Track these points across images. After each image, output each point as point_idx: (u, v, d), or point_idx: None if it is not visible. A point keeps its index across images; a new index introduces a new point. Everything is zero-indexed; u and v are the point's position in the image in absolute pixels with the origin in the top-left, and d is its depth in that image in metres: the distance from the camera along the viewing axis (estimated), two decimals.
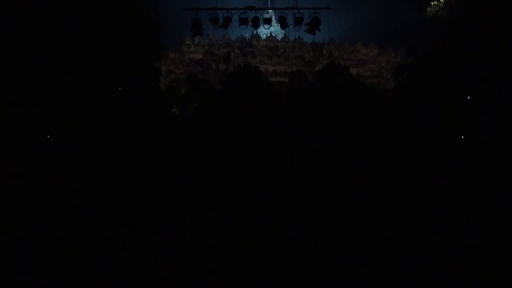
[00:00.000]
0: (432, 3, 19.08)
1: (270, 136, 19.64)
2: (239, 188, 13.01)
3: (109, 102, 17.51)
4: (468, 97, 17.66)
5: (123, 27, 17.83)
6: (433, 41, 20.66)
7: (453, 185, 12.46)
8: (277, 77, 33.05)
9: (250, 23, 15.78)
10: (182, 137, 19.85)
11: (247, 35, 39.66)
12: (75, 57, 15.49)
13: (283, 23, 16.35)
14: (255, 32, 37.61)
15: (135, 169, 14.68)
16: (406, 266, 6.74)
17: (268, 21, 18.19)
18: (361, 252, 7.32)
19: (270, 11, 27.80)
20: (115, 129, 17.15)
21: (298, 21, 15.59)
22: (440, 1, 18.76)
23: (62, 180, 12.64)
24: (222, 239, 8.03)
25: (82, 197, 10.96)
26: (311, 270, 6.66)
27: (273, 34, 38.99)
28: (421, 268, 6.66)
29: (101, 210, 9.83)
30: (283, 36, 38.88)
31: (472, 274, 6.41)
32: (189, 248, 7.58)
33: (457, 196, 11.04)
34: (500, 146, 15.14)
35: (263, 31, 35.53)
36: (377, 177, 14.29)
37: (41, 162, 13.93)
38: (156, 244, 7.69)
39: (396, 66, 29.36)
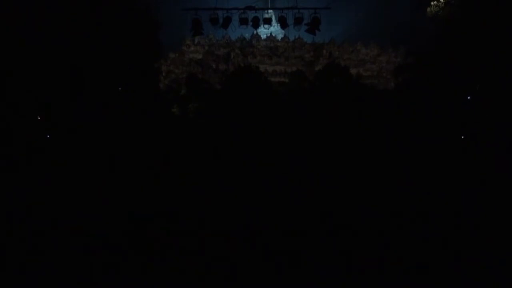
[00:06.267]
0: (432, 3, 19.06)
1: (270, 136, 19.64)
2: (238, 188, 13.01)
3: (109, 102, 17.52)
4: (468, 97, 17.67)
5: (123, 27, 17.84)
6: (433, 41, 20.65)
7: (453, 184, 12.46)
8: (277, 77, 33.08)
9: (250, 23, 15.79)
10: (182, 137, 19.85)
11: (247, 35, 39.68)
12: (75, 57, 15.50)
13: (283, 23, 16.35)
14: (255, 32, 37.64)
15: (135, 168, 14.69)
16: (406, 266, 6.74)
17: (268, 21, 18.17)
18: (360, 253, 7.32)
19: (270, 11, 27.79)
20: (115, 129, 17.15)
21: (298, 21, 15.60)
22: (440, 1, 18.75)
23: (62, 179, 12.65)
24: (222, 238, 8.03)
25: (81, 197, 10.97)
26: (310, 270, 6.67)
27: (273, 34, 39.01)
28: (421, 268, 6.66)
29: (101, 209, 9.84)
30: (283, 36, 38.90)
31: (472, 274, 6.41)
32: (189, 248, 7.59)
33: (457, 195, 11.05)
34: (500, 146, 15.14)
35: (263, 31, 35.59)
36: (377, 176, 14.30)
37: (41, 161, 13.94)
38: (156, 244, 7.70)
39: (396, 66, 29.39)
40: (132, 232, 8.29)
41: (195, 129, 21.37)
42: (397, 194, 11.75)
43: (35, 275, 6.41)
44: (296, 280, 6.37)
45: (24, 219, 9.01)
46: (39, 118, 14.80)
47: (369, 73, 34.91)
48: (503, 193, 10.76)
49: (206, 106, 24.11)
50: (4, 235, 8.04)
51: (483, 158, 15.36)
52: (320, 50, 36.30)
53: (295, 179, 14.34)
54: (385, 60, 36.40)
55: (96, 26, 16.31)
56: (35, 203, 10.10)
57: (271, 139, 19.28)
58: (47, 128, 15.28)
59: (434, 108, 18.59)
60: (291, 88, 27.63)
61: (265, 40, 39.00)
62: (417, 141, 17.79)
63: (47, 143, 15.02)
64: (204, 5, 16.38)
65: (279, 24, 17.73)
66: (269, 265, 6.85)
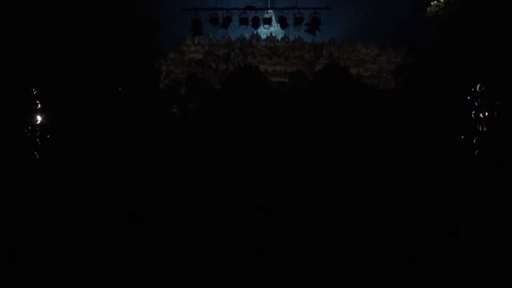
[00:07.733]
0: (432, 3, 19.04)
1: (270, 136, 19.64)
2: (238, 188, 13.01)
3: (109, 102, 17.51)
4: (468, 97, 17.65)
5: (123, 27, 17.82)
6: (433, 41, 20.65)
7: (453, 185, 12.46)
8: (277, 77, 33.06)
9: (250, 23, 15.83)
10: (182, 137, 19.85)
11: (247, 35, 39.61)
12: (74, 57, 15.48)
13: (283, 23, 16.37)
14: (255, 32, 37.58)
15: (135, 168, 14.68)
16: (406, 266, 6.74)
17: (268, 21, 18.19)
18: (359, 253, 7.32)
19: (270, 11, 27.79)
20: (115, 129, 17.14)
21: (298, 21, 15.63)
22: (440, 1, 18.73)
23: (62, 179, 12.65)
24: (222, 238, 8.04)
25: (81, 197, 10.97)
26: (310, 271, 6.66)
27: (273, 34, 38.95)
28: (419, 269, 6.66)
29: (101, 209, 9.83)
30: (283, 36, 38.86)
31: (472, 275, 6.41)
32: (189, 248, 7.59)
33: (457, 196, 11.04)
34: (500, 146, 15.13)
35: (263, 31, 35.54)
36: (377, 176, 14.29)
37: (41, 162, 13.94)
38: (156, 244, 7.70)
39: (396, 66, 29.36)
40: (132, 232, 8.29)
41: (195, 129, 21.37)
42: (397, 194, 11.75)
43: (34, 275, 6.41)
44: (296, 281, 6.37)
45: (23, 219, 9.01)
46: (39, 118, 14.79)
47: (369, 73, 34.86)
48: (503, 193, 10.76)
49: (206, 106, 24.12)
50: (3, 235, 8.04)
51: (483, 158, 15.36)
52: (320, 50, 36.23)
53: (295, 179, 14.34)
54: (385, 60, 36.36)
55: (95, 26, 16.29)
56: (35, 203, 10.10)
57: (271, 139, 19.28)
58: (47, 128, 15.26)
59: (434, 108, 18.58)
60: (291, 88, 27.63)
61: (265, 40, 38.93)
62: (417, 141, 17.78)
63: (47, 143, 15.01)
64: (204, 5, 16.41)
65: (279, 24, 17.74)
66: (269, 264, 6.85)
